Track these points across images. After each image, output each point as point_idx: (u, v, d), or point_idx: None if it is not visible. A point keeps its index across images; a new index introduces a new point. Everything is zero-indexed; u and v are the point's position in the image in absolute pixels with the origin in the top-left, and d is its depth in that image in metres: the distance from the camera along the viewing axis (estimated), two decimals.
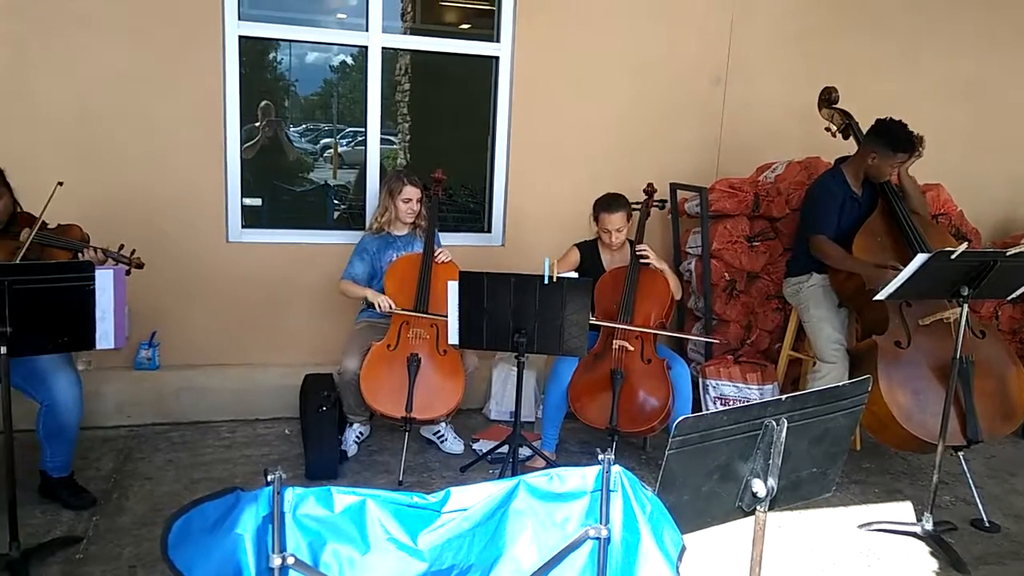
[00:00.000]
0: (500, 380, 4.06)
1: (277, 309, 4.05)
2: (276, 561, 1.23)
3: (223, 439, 3.72)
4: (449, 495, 1.42)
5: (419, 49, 4.36)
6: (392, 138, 5.42)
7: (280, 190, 5.02)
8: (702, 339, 4.03)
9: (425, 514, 1.38)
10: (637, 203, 3.65)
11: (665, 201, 3.91)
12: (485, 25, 4.30)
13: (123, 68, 3.67)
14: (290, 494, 1.28)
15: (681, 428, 1.62)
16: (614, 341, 3.41)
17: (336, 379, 3.57)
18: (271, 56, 5.02)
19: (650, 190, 3.71)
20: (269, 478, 1.26)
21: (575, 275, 3.15)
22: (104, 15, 3.61)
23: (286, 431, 3.84)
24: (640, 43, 4.30)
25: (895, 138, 3.41)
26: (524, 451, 3.36)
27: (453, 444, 3.66)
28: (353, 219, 4.81)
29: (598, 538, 1.44)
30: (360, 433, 3.66)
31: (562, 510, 1.46)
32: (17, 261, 2.80)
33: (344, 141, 5.89)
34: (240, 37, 3.82)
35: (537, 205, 4.27)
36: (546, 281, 2.99)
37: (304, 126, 5.73)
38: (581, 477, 1.47)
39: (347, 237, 4.11)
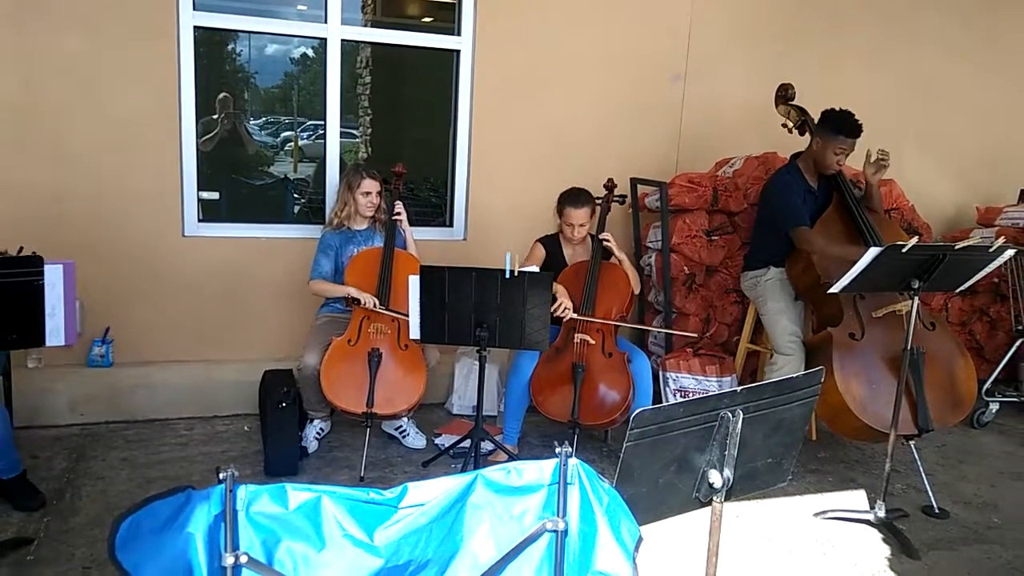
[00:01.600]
0: (462, 374, 4.06)
1: (235, 304, 3.99)
2: (229, 560, 1.21)
3: (180, 436, 3.65)
4: (406, 490, 1.41)
5: (380, 42, 4.30)
6: (353, 131, 5.37)
7: (239, 183, 4.95)
8: (686, 334, 3.98)
9: (381, 510, 1.37)
10: (598, 198, 3.67)
11: (625, 196, 3.94)
12: (447, 18, 4.28)
13: (72, 58, 3.57)
14: (243, 491, 1.26)
15: (639, 420, 1.64)
16: (575, 335, 3.42)
17: (296, 375, 3.53)
18: (229, 47, 4.94)
19: (610, 185, 3.73)
20: (221, 476, 1.24)
21: (536, 269, 3.15)
22: (53, 3, 3.50)
23: (245, 427, 3.79)
24: (602, 39, 4.32)
25: (836, 121, 3.49)
26: (486, 445, 3.37)
27: (415, 439, 3.65)
28: (313, 213, 4.75)
29: (555, 531, 1.45)
30: (321, 429, 3.62)
31: (520, 503, 1.46)
32: None
33: (305, 134, 5.82)
34: (196, 28, 3.74)
35: (499, 199, 4.27)
36: (507, 275, 2.99)
37: (264, 119, 5.65)
38: (538, 470, 1.47)
39: (307, 231, 4.07)
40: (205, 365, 3.93)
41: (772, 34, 4.60)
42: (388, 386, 3.35)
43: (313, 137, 5.98)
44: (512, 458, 3.39)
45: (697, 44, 4.49)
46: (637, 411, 1.59)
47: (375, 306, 3.39)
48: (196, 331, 3.95)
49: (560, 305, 3.40)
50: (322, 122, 4.11)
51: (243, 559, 1.23)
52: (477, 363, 3.90)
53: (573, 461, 1.48)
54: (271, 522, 1.28)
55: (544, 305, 3.02)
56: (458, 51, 4.15)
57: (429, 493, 1.42)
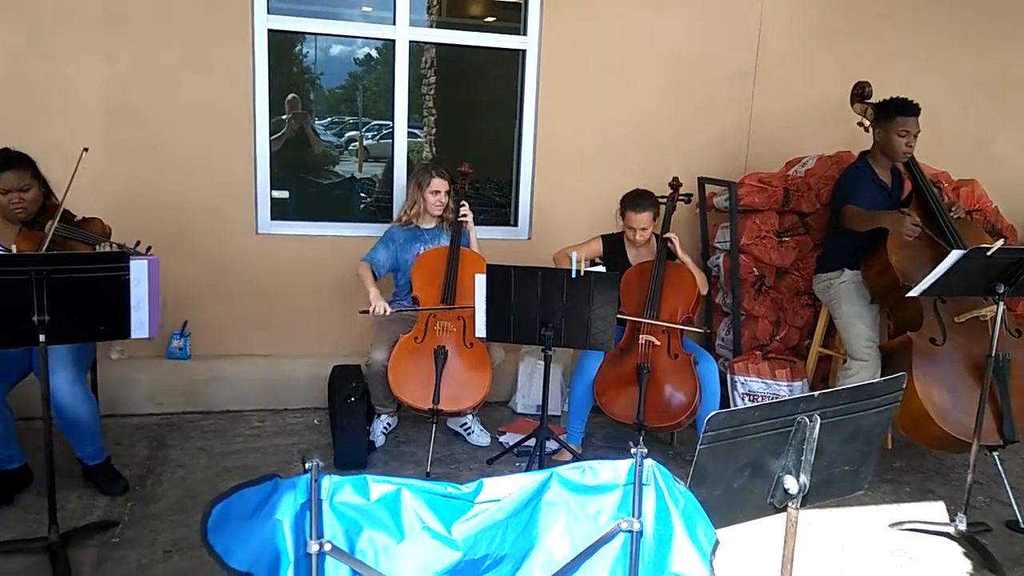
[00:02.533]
0: (526, 373, 4.07)
1: (305, 300, 4.08)
2: (313, 547, 1.25)
3: (253, 428, 3.77)
4: (482, 486, 1.42)
5: (446, 43, 4.34)
6: (417, 131, 5.44)
7: (307, 182, 5.06)
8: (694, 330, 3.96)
9: (459, 504, 1.39)
10: (663, 197, 3.63)
11: (691, 195, 3.88)
12: (512, 17, 4.30)
13: (153, 62, 3.71)
14: (327, 482, 1.30)
15: (713, 423, 1.62)
16: (640, 336, 3.40)
17: (364, 370, 3.60)
18: (296, 49, 5.06)
19: (676, 184, 3.69)
20: (307, 465, 1.27)
21: (603, 269, 3.14)
22: (135, 9, 3.65)
23: (315, 421, 3.88)
24: (669, 36, 4.28)
25: (889, 105, 3.45)
26: (551, 444, 3.37)
27: (480, 436, 3.68)
28: (380, 211, 4.83)
29: (630, 531, 1.44)
30: (388, 424, 3.69)
31: (594, 503, 1.46)
32: (42, 252, 2.84)
33: (369, 134, 5.91)
34: (269, 31, 3.85)
35: (564, 198, 4.26)
36: (574, 275, 2.99)
37: (329, 119, 5.76)
38: (613, 470, 1.47)
39: (374, 230, 4.14)
40: (276, 360, 4.04)
41: (845, 29, 4.47)
42: (454, 383, 3.39)
43: (378, 137, 6.08)
44: (576, 457, 3.39)
45: (768, 39, 4.40)
46: (711, 414, 1.58)
47: (385, 312, 3.43)
48: (268, 326, 4.06)
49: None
50: (387, 122, 4.17)
51: (327, 547, 1.26)
52: (541, 362, 3.93)
53: (648, 462, 1.47)
54: (354, 512, 1.31)
55: (610, 306, 3.01)
56: (524, 51, 4.17)
57: (504, 489, 1.43)
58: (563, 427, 3.69)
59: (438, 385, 3.34)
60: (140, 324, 2.74)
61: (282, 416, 3.92)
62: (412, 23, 4.04)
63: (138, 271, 2.69)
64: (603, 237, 3.66)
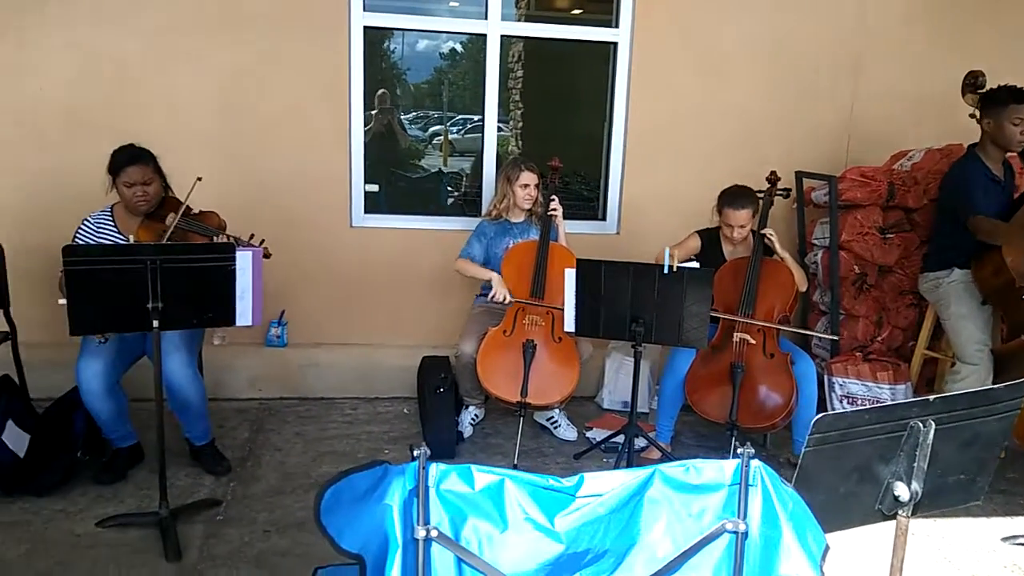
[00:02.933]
0: (613, 369, 4.04)
1: (396, 292, 4.17)
2: (420, 533, 1.28)
3: (346, 415, 3.88)
4: (583, 480, 1.42)
5: (536, 36, 4.34)
6: (503, 125, 5.46)
7: (396, 177, 5.16)
8: (827, 336, 3.84)
9: (560, 497, 1.39)
10: (760, 191, 3.53)
11: (789, 190, 3.76)
12: (602, 9, 4.26)
13: (255, 61, 3.85)
14: (434, 469, 1.32)
15: (820, 425, 1.57)
16: (735, 334, 3.32)
17: (453, 362, 3.65)
18: (384, 45, 5.16)
19: (774, 178, 3.58)
20: (415, 453, 1.30)
21: (696, 265, 3.09)
22: (238, 12, 3.80)
23: (404, 410, 3.96)
24: (766, 24, 4.15)
25: (1001, 92, 3.28)
26: (639, 442, 3.33)
27: (567, 431, 3.68)
28: (468, 205, 4.88)
29: (735, 532, 1.42)
30: (475, 415, 3.73)
31: (698, 502, 1.44)
32: (163, 243, 3.00)
33: (454, 129, 5.97)
34: (365, 27, 3.93)
35: (654, 193, 4.21)
36: (666, 271, 2.95)
37: (414, 114, 5.85)
38: (718, 470, 1.44)
39: (463, 223, 4.19)
40: (368, 349, 4.14)
41: (951, 16, 4.23)
42: (542, 377, 3.39)
43: (463, 132, 6.13)
44: (666, 456, 3.35)
45: (870, 29, 4.21)
46: (818, 415, 1.54)
47: (504, 300, 3.44)
48: (360, 317, 4.16)
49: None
50: (472, 116, 4.19)
51: (434, 533, 1.29)
52: (629, 358, 3.91)
53: (755, 463, 1.44)
54: (459, 500, 1.33)
55: (704, 302, 2.95)
56: (615, 43, 4.12)
57: (606, 484, 1.43)
58: (651, 424, 3.65)
59: (526, 378, 3.35)
60: (244, 312, 2.86)
61: (373, 404, 4.02)
62: (502, 17, 4.05)
63: (243, 261, 2.81)
64: (700, 233, 3.59)
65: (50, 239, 3.44)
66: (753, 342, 3.29)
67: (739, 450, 1.43)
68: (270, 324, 4.06)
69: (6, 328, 3.40)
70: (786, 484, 1.45)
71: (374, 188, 4.55)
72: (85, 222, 3.17)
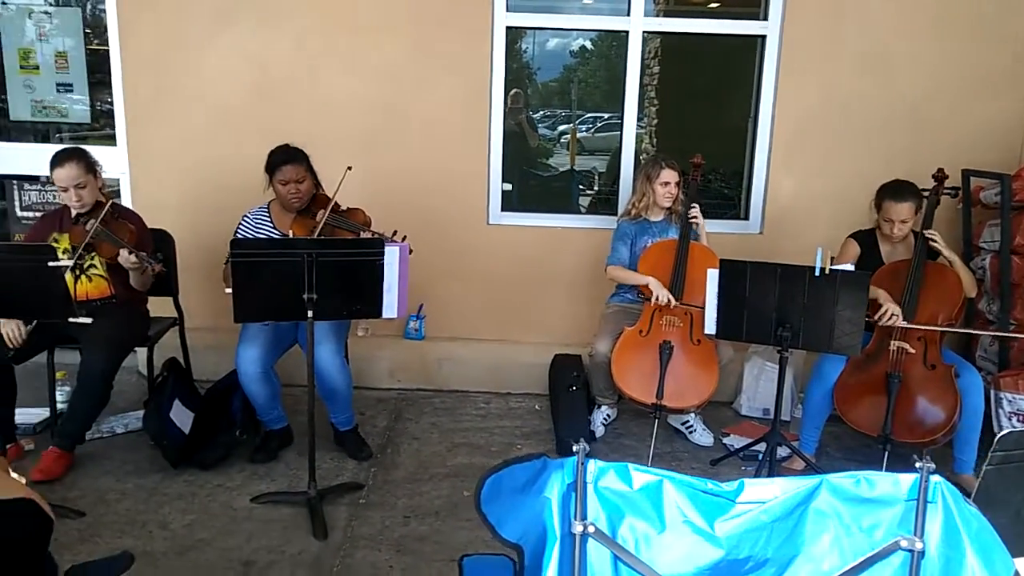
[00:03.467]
0: (753, 374, 3.90)
1: (530, 289, 4.20)
2: (578, 528, 1.27)
3: (479, 408, 3.95)
4: (743, 486, 1.37)
5: (680, 32, 4.23)
6: (636, 122, 5.38)
7: (528, 175, 5.20)
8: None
9: (720, 502, 1.35)
10: (925, 190, 3.29)
11: (957, 189, 3.49)
12: (741, 2, 4.11)
13: (401, 62, 3.99)
14: (593, 465, 1.31)
15: (1005, 443, 1.46)
16: (892, 341, 3.11)
17: (587, 360, 3.64)
18: (516, 45, 5.21)
19: (940, 176, 3.33)
20: (575, 448, 1.30)
21: (850, 267, 2.92)
22: (386, 14, 3.94)
23: (536, 407, 3.99)
24: (931, 14, 3.86)
25: None
26: (781, 451, 3.20)
27: (702, 436, 3.58)
28: (601, 203, 4.86)
29: (911, 550, 1.32)
30: (607, 415, 3.70)
31: (869, 516, 1.35)
32: (318, 238, 3.15)
33: (583, 127, 5.95)
34: (507, 27, 3.98)
35: (801, 191, 4.02)
36: (817, 273, 2.81)
37: (542, 112, 5.88)
38: (892, 484, 1.35)
39: (597, 222, 4.17)
40: (501, 345, 4.20)
41: None
42: (679, 380, 3.32)
43: (593, 130, 6.10)
44: (810, 467, 3.19)
45: None
46: (1004, 432, 1.45)
47: (669, 302, 3.37)
48: (495, 313, 4.23)
49: (886, 312, 3.07)
50: (601, 114, 4.15)
51: (591, 529, 1.28)
52: (770, 364, 3.76)
53: (936, 478, 1.33)
54: (617, 498, 1.32)
55: (858, 307, 2.79)
56: (763, 36, 3.97)
57: (768, 492, 1.37)
58: (794, 433, 3.49)
59: (662, 380, 3.29)
60: (390, 305, 2.97)
61: (505, 399, 4.07)
62: (629, 13, 3.98)
63: (391, 256, 2.91)
64: (855, 236, 3.38)
65: (213, 234, 3.72)
66: (912, 351, 3.08)
67: (917, 464, 1.34)
68: (409, 317, 4.20)
69: (175, 314, 3.69)
70: (969, 503, 1.33)
71: (506, 186, 4.61)
72: (245, 218, 3.39)
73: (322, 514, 2.84)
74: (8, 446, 3.11)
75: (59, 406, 3.48)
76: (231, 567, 2.59)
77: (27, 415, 3.46)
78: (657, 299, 3.37)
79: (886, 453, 3.03)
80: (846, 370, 3.18)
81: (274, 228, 3.35)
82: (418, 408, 3.93)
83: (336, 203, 3.26)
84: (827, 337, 2.87)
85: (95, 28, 4.25)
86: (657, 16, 4.51)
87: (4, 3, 4.20)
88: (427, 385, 4.14)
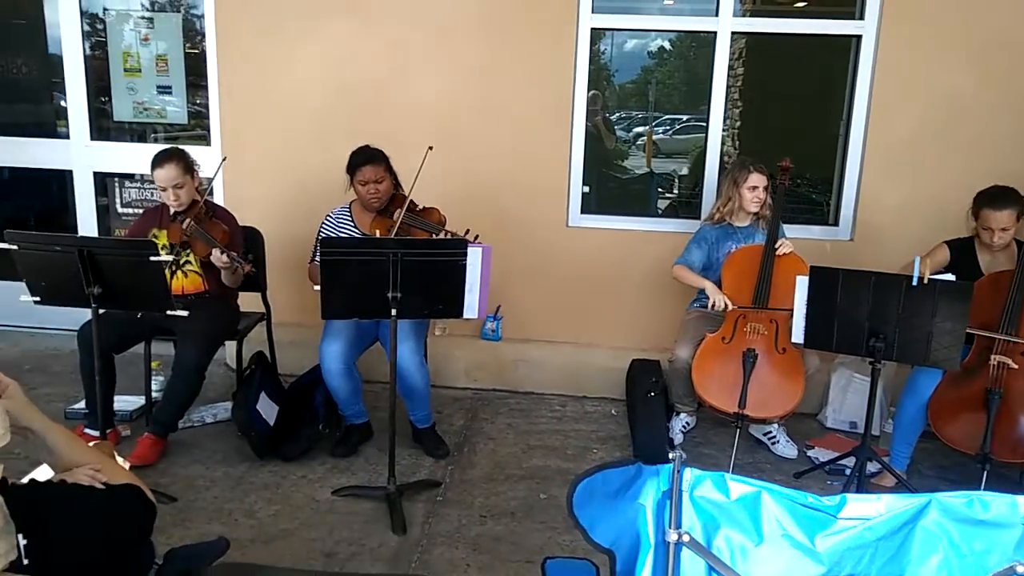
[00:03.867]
0: (839, 386, 3.76)
1: (608, 292, 4.17)
2: (672, 536, 1.25)
3: (554, 411, 3.94)
4: (845, 501, 1.32)
5: (769, 32, 4.12)
6: (702, 124, 5.27)
7: (606, 177, 5.16)
8: None
9: (821, 516, 1.30)
10: None
11: None
12: (833, 1, 3.98)
13: (485, 64, 4.01)
14: (689, 474, 1.29)
15: None
16: (992, 356, 2.96)
17: (666, 367, 3.58)
18: (595, 46, 5.17)
19: None
20: (671, 455, 1.27)
21: (952, 277, 2.79)
22: (472, 16, 3.97)
23: (612, 411, 3.95)
24: None
25: None
26: (870, 466, 3.08)
27: (785, 447, 3.48)
28: (682, 207, 4.78)
29: None
30: (686, 423, 3.64)
31: (982, 539, 1.28)
32: (405, 237, 3.20)
33: (659, 129, 5.85)
34: (592, 29, 3.96)
35: (896, 198, 3.86)
36: (915, 282, 2.69)
37: (618, 114, 5.81)
38: (1010, 506, 1.28)
39: (678, 225, 4.10)
40: (578, 348, 4.18)
41: None
42: (762, 389, 3.23)
43: (670, 132, 6.00)
44: (902, 483, 3.06)
45: None
46: None
47: (726, 307, 3.29)
48: (572, 315, 4.21)
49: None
50: (679, 116, 4.06)
51: (685, 538, 1.25)
52: (858, 375, 3.63)
53: None
54: (713, 508, 1.29)
55: (958, 319, 2.67)
56: (858, 36, 3.83)
57: (872, 508, 1.31)
58: (883, 448, 3.35)
59: (745, 389, 3.21)
60: (471, 306, 2.99)
61: (581, 403, 4.05)
62: (719, 13, 3.90)
63: (474, 257, 2.94)
64: (949, 243, 3.24)
65: (299, 232, 3.83)
66: (1015, 366, 2.92)
67: None
68: (486, 318, 4.21)
69: (263, 309, 3.81)
70: None
71: (585, 189, 4.59)
72: (328, 217, 3.48)
73: (401, 510, 2.88)
74: (108, 431, 3.27)
75: (154, 395, 3.63)
76: (314, 558, 2.65)
77: (124, 403, 3.63)
78: (713, 305, 3.30)
79: (985, 472, 2.88)
80: (942, 384, 3.04)
81: (355, 227, 3.42)
82: (493, 408, 3.95)
83: (412, 202, 3.30)
84: (923, 349, 2.75)
85: (192, 32, 4.44)
86: (744, 16, 4.41)
87: (106, 9, 4.42)
88: (502, 386, 4.15)
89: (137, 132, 4.62)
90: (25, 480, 1.52)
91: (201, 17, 4.36)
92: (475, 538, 2.80)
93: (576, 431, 3.71)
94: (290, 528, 2.82)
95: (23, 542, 1.00)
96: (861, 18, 3.81)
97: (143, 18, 4.43)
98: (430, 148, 3.21)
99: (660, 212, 4.87)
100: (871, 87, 3.83)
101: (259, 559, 2.62)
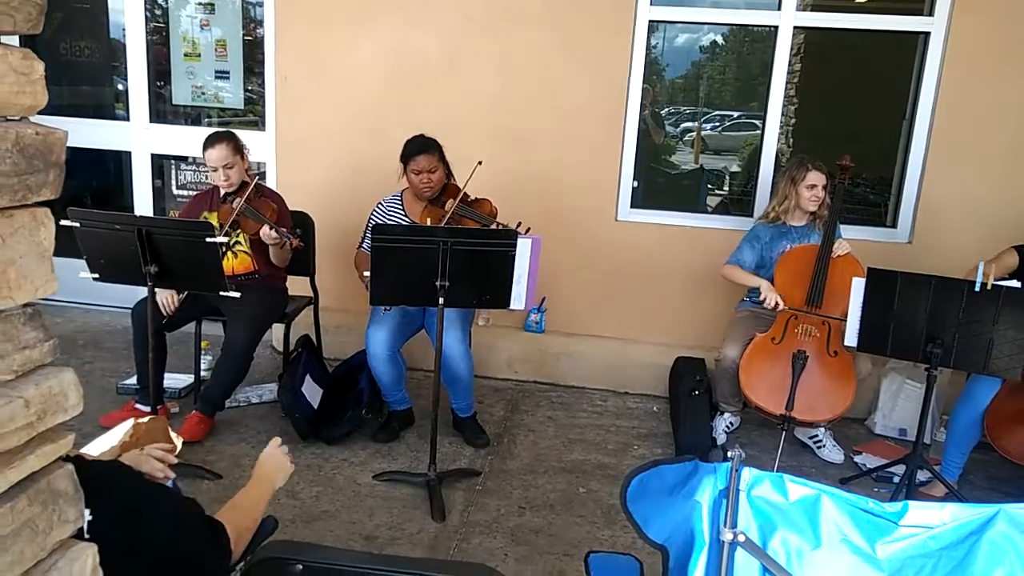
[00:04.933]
0: (890, 391, 3.67)
1: (654, 288, 4.12)
2: (727, 535, 1.22)
3: (596, 406, 3.92)
4: (907, 508, 1.28)
5: (831, 27, 4.02)
6: (755, 122, 5.17)
7: (655, 172, 5.10)
8: None
9: (881, 523, 1.27)
10: None
11: None
12: None
13: (539, 55, 3.98)
14: (747, 473, 1.26)
15: None
16: None
17: (713, 365, 3.53)
18: (646, 40, 5.10)
19: None
20: (729, 454, 1.25)
21: (1017, 284, 2.69)
22: (528, 8, 3.94)
23: (654, 408, 3.91)
24: None
25: None
26: (919, 475, 3.00)
27: (832, 452, 3.41)
28: (733, 204, 4.70)
29: None
30: (730, 423, 3.58)
31: None
32: (455, 226, 3.20)
33: (708, 125, 5.76)
34: (650, 21, 3.91)
35: (960, 200, 3.74)
36: (977, 288, 2.61)
37: (667, 109, 5.74)
38: None
39: (729, 223, 4.04)
40: (621, 343, 4.14)
41: None
42: (811, 392, 3.17)
43: (720, 128, 5.90)
44: (953, 494, 2.97)
45: None
46: None
47: (778, 305, 3.23)
48: (617, 310, 4.17)
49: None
50: (730, 112, 3.98)
51: (741, 538, 1.23)
52: (910, 381, 3.54)
53: None
54: (770, 509, 1.26)
55: (1022, 328, 2.57)
56: (927, 33, 3.71)
57: (936, 517, 1.27)
58: (935, 457, 3.26)
59: (793, 391, 3.14)
60: (518, 297, 2.98)
61: (623, 399, 4.01)
62: (769, 6, 3.84)
63: (523, 248, 2.92)
64: (1018, 248, 3.13)
65: (348, 218, 3.86)
66: None
67: None
68: (530, 310, 4.20)
69: (311, 293, 3.86)
70: None
71: (634, 183, 4.54)
72: (379, 205, 3.49)
73: (440, 497, 2.89)
74: (158, 407, 3.34)
75: (202, 373, 3.70)
76: (354, 540, 2.68)
77: (174, 380, 3.70)
78: (766, 302, 3.24)
79: None
80: (1001, 394, 2.94)
81: (405, 216, 3.43)
82: (534, 400, 3.94)
83: (465, 193, 3.30)
84: (983, 358, 2.67)
85: (247, 19, 4.50)
86: (805, 10, 4.32)
87: None
88: (544, 378, 4.14)
89: (192, 116, 4.70)
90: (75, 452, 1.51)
91: (257, 5, 4.42)
92: (513, 529, 2.80)
93: (617, 426, 3.69)
94: (331, 510, 2.85)
95: (88, 517, 1.01)
96: (930, 14, 3.70)
97: (202, 4, 4.50)
98: (479, 163, 3.20)
99: (710, 209, 4.79)
100: (938, 85, 3.71)
101: (301, 539, 2.65)
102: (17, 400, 0.84)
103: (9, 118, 0.82)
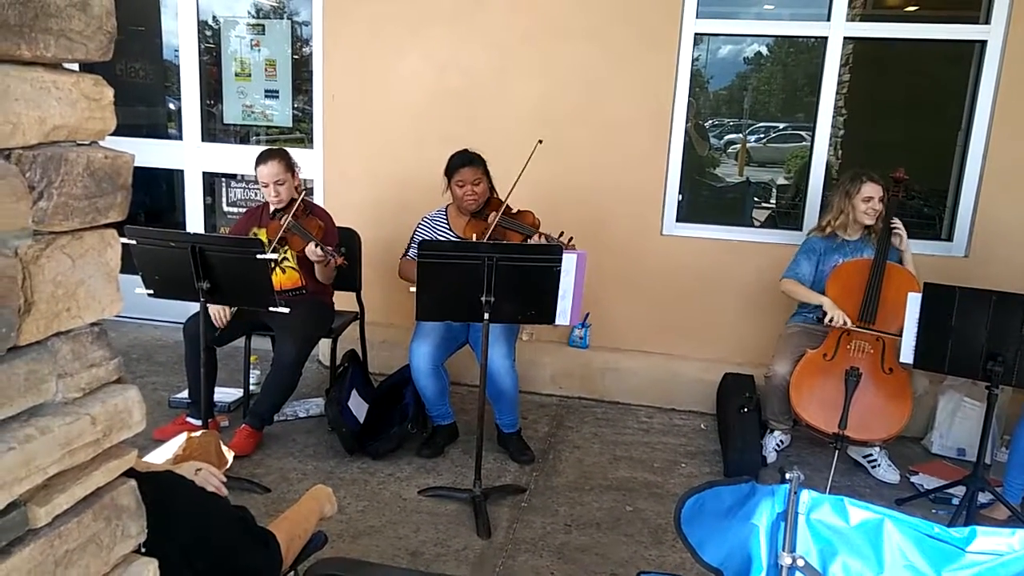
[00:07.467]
0: (947, 410, 3.55)
1: (701, 303, 4.07)
2: (786, 560, 1.19)
3: (641, 423, 3.87)
4: (975, 534, 1.24)
5: (882, 37, 3.94)
6: (801, 133, 5.07)
7: (698, 185, 5.04)
8: None
9: (948, 549, 1.22)
10: None
11: None
12: (952, 5, 3.76)
13: (584, 68, 3.98)
14: (806, 496, 1.23)
15: None
16: None
17: (761, 382, 3.46)
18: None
19: None
20: (788, 476, 1.22)
21: None
22: (574, 22, 3.95)
23: (702, 425, 3.85)
24: None
25: None
26: (982, 496, 2.89)
27: (887, 472, 3.31)
28: (781, 218, 4.63)
29: None
30: (780, 441, 3.51)
31: None
32: (484, 240, 3.21)
33: (752, 137, 5.68)
34: (696, 34, 3.88)
35: (1019, 213, 3.62)
36: None
37: (711, 122, 5.67)
38: None
39: (778, 236, 3.98)
40: (668, 359, 4.09)
41: None
42: (865, 410, 3.08)
43: (764, 140, 5.81)
44: (1016, 516, 2.86)
45: None
46: None
47: (844, 324, 3.15)
48: (663, 325, 4.13)
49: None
50: (775, 124, 3.91)
51: (799, 562, 1.20)
52: (969, 399, 3.43)
53: None
54: (831, 533, 1.23)
55: None
56: (983, 42, 3.61)
57: (1005, 543, 1.22)
58: (996, 479, 3.14)
59: (846, 409, 3.05)
60: (564, 312, 2.96)
61: (669, 415, 3.96)
62: (818, 17, 3.77)
63: (568, 263, 2.91)
64: None
65: (394, 233, 3.89)
66: None
67: None
68: (574, 325, 4.18)
69: (357, 309, 3.90)
70: None
71: (679, 196, 4.50)
72: (424, 219, 3.52)
73: (486, 513, 2.88)
74: (208, 421, 3.40)
75: (251, 388, 3.76)
76: (400, 556, 2.68)
77: (223, 394, 3.77)
78: (832, 320, 3.16)
79: None
80: None
81: (450, 230, 3.45)
82: (579, 416, 3.91)
83: (508, 206, 3.31)
84: None
85: (294, 38, 4.60)
86: (853, 20, 4.24)
87: (215, 17, 4.62)
88: (588, 394, 4.10)
89: (240, 134, 4.81)
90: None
91: (304, 24, 4.51)
92: (560, 547, 2.77)
93: (663, 444, 3.64)
94: (376, 525, 2.86)
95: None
96: (987, 22, 3.60)
97: (251, 25, 4.61)
98: (540, 141, 3.20)
99: (758, 223, 4.72)
100: (995, 95, 3.61)
101: (347, 554, 2.66)
102: (84, 417, 0.86)
103: (80, 143, 0.85)
